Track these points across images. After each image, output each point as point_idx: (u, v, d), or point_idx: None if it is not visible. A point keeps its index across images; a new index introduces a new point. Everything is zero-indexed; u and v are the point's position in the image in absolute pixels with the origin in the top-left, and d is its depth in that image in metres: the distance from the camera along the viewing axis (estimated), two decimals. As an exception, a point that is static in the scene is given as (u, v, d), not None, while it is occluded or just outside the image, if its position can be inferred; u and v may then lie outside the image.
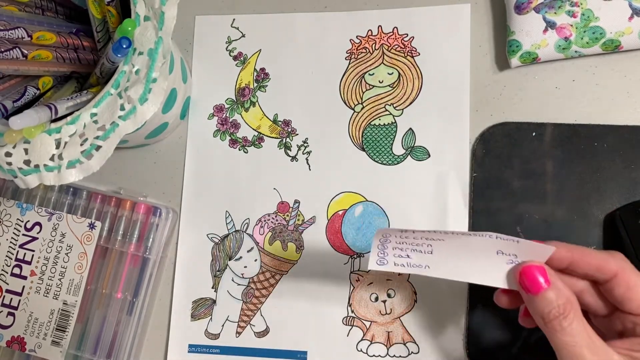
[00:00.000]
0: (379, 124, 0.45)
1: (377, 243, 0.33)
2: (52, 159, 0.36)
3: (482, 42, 0.45)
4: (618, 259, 0.31)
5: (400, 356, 0.43)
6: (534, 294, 0.30)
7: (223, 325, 0.45)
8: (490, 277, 0.32)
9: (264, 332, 0.45)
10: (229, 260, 0.46)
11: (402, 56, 0.46)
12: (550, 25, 0.41)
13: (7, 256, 0.46)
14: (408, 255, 0.33)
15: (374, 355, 0.43)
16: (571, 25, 0.40)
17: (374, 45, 0.46)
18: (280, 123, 0.47)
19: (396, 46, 0.46)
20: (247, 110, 0.47)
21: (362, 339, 0.44)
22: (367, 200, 0.45)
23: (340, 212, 0.45)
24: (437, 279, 0.43)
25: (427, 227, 0.43)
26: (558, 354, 0.29)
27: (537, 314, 0.30)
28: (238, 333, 0.45)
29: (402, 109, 0.45)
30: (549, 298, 0.29)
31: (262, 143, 0.47)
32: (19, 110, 0.34)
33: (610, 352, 0.29)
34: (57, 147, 0.36)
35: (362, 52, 0.46)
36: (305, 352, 0.44)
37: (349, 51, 0.46)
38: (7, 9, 0.37)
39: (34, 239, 0.46)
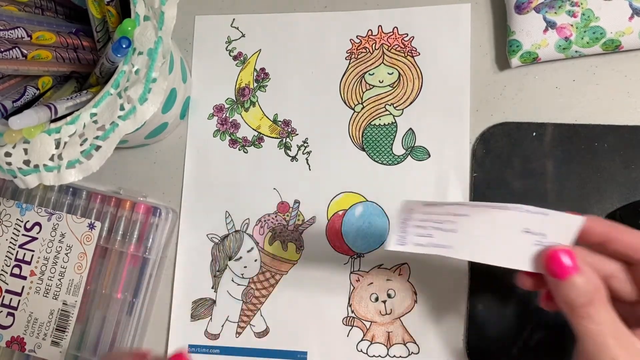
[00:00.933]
0: (379, 124, 0.45)
1: (400, 221, 0.31)
2: (51, 159, 0.36)
3: (482, 42, 0.45)
4: None
5: (400, 356, 0.43)
6: (561, 279, 0.28)
7: (223, 326, 0.45)
8: (515, 260, 0.30)
9: (264, 333, 0.45)
10: (229, 260, 0.46)
11: (402, 56, 0.46)
12: (551, 25, 0.41)
13: (6, 256, 0.46)
14: (430, 235, 0.31)
15: (374, 356, 0.43)
16: (571, 25, 0.40)
17: (374, 45, 0.46)
18: (280, 123, 0.47)
19: (396, 46, 0.46)
20: (247, 110, 0.47)
21: (362, 339, 0.44)
22: (367, 201, 0.45)
23: (341, 212, 0.45)
24: (437, 279, 0.43)
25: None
26: (581, 341, 0.28)
27: (563, 300, 0.29)
28: (238, 333, 0.45)
29: (402, 109, 0.45)
30: (577, 284, 0.28)
31: (262, 143, 0.47)
32: (18, 110, 0.34)
33: (635, 340, 0.28)
34: (57, 147, 0.36)
35: (362, 52, 0.46)
36: (305, 353, 0.44)
37: (349, 51, 0.46)
38: (7, 8, 0.37)
39: (34, 239, 0.46)
